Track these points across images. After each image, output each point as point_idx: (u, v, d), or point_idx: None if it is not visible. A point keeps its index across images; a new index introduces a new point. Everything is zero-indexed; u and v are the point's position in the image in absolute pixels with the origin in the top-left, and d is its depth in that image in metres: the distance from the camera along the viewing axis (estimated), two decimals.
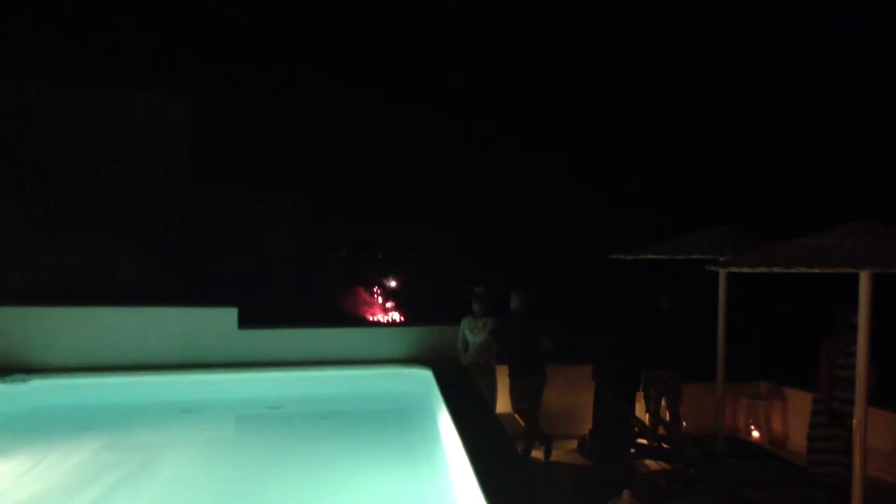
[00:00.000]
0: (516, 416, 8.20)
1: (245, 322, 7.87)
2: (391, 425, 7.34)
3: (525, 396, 8.05)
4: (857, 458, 5.14)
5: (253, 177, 20.58)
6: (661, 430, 8.21)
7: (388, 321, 21.24)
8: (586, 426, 8.53)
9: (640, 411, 8.70)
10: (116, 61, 19.49)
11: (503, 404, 8.26)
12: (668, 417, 8.53)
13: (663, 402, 8.57)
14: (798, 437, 8.47)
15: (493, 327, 7.95)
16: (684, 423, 8.66)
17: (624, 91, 25.91)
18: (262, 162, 21.99)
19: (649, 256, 7.92)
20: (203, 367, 7.58)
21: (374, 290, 22.71)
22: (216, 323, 7.80)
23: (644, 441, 8.02)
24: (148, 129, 17.91)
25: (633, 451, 7.82)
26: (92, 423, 6.91)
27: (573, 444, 8.52)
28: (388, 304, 22.26)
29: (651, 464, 7.77)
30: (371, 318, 21.42)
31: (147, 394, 7.36)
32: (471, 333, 7.99)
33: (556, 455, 8.09)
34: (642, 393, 8.65)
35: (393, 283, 23.30)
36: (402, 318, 21.41)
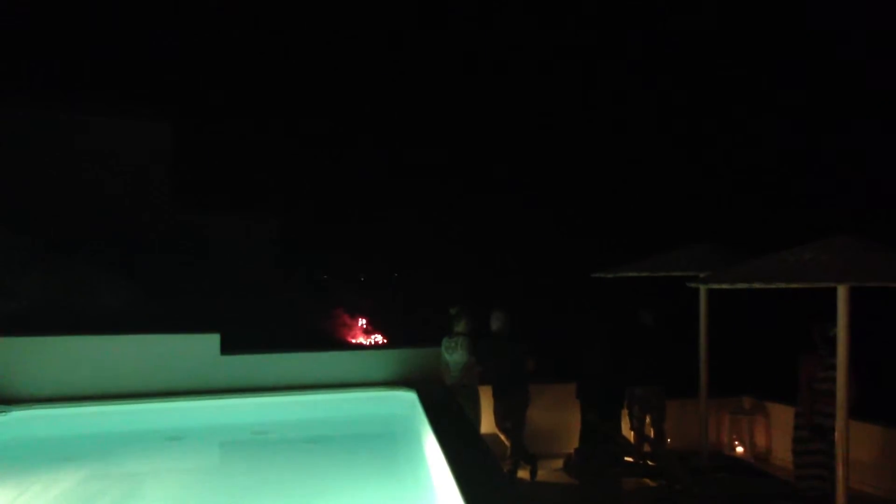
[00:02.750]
0: (501, 435, 8.19)
1: (227, 348, 7.82)
2: (377, 448, 7.31)
3: (509, 416, 8.04)
4: (839, 472, 5.18)
5: (234, 201, 20.58)
6: (646, 448, 8.24)
7: (371, 344, 21.17)
8: (571, 445, 8.54)
9: (625, 429, 8.73)
10: (94, 87, 19.49)
11: (488, 424, 8.25)
12: (652, 434, 8.56)
13: (647, 420, 8.61)
14: (782, 451, 8.52)
15: (471, 346, 7.95)
16: (668, 440, 8.69)
17: (608, 110, 26.17)
18: (243, 186, 22.02)
19: (631, 274, 7.96)
20: (186, 395, 7.51)
21: (357, 313, 22.64)
22: (198, 349, 7.73)
23: (629, 458, 8.05)
24: (127, 155, 17.87)
25: (618, 468, 7.84)
26: (74, 453, 6.81)
27: (559, 462, 8.53)
28: (371, 327, 22.17)
29: (636, 481, 7.78)
30: (354, 341, 21.33)
31: (130, 422, 7.27)
32: (446, 352, 7.99)
33: (541, 474, 8.08)
34: (626, 410, 8.68)
35: (375, 306, 23.25)
36: (385, 341, 21.32)
